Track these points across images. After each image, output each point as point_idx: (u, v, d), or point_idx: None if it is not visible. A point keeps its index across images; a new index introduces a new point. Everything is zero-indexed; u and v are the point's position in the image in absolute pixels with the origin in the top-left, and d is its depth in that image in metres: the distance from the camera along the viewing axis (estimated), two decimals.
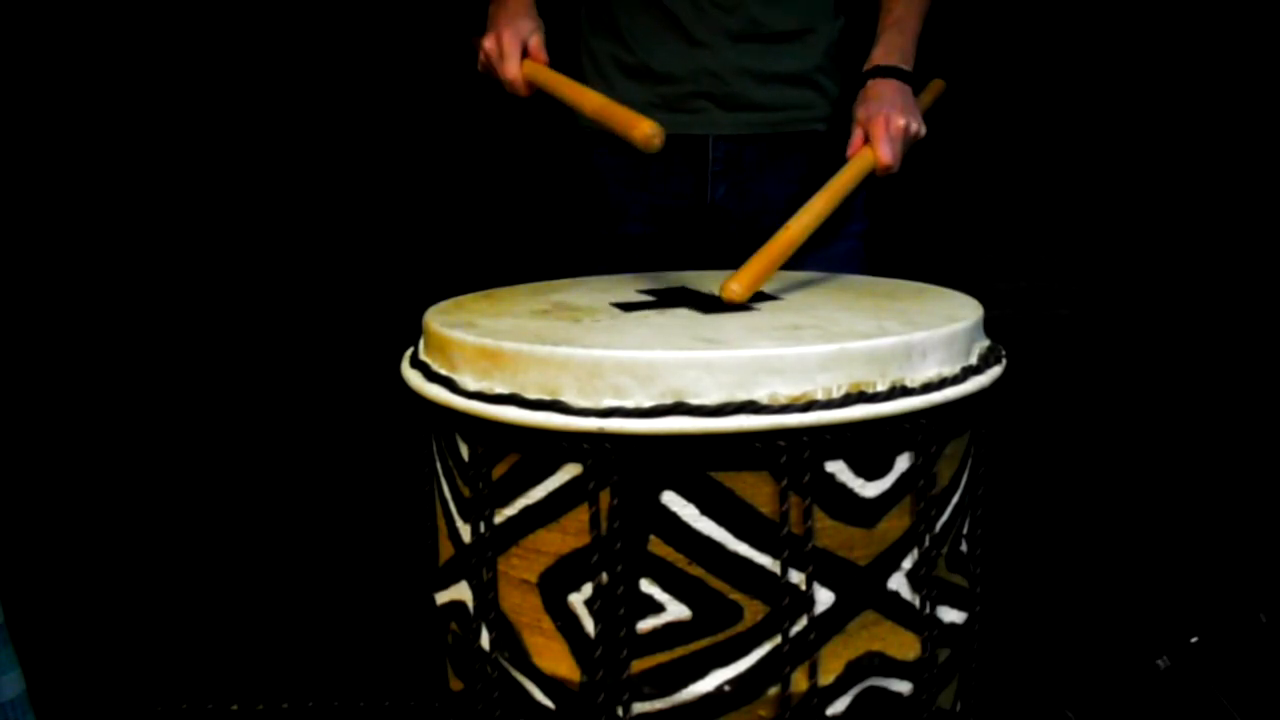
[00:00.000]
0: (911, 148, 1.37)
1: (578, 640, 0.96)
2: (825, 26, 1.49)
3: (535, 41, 1.34)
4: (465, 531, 1.02)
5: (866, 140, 1.34)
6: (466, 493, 1.01)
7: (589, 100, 1.25)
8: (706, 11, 1.44)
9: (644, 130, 1.13)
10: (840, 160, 1.34)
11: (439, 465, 1.07)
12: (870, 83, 1.39)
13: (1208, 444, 1.97)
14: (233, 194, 2.02)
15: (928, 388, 0.95)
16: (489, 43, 1.34)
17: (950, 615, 1.02)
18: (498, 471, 0.97)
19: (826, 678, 0.95)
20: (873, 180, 1.36)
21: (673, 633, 0.93)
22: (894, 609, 0.98)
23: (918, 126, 1.36)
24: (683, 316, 1.07)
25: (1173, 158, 1.97)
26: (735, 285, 1.12)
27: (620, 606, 0.93)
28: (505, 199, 1.98)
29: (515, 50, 1.32)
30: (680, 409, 0.89)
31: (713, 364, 0.89)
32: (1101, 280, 2.03)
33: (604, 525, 0.92)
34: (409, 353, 1.10)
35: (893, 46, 1.41)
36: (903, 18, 1.43)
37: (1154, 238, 2.00)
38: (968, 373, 0.99)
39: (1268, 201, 1.95)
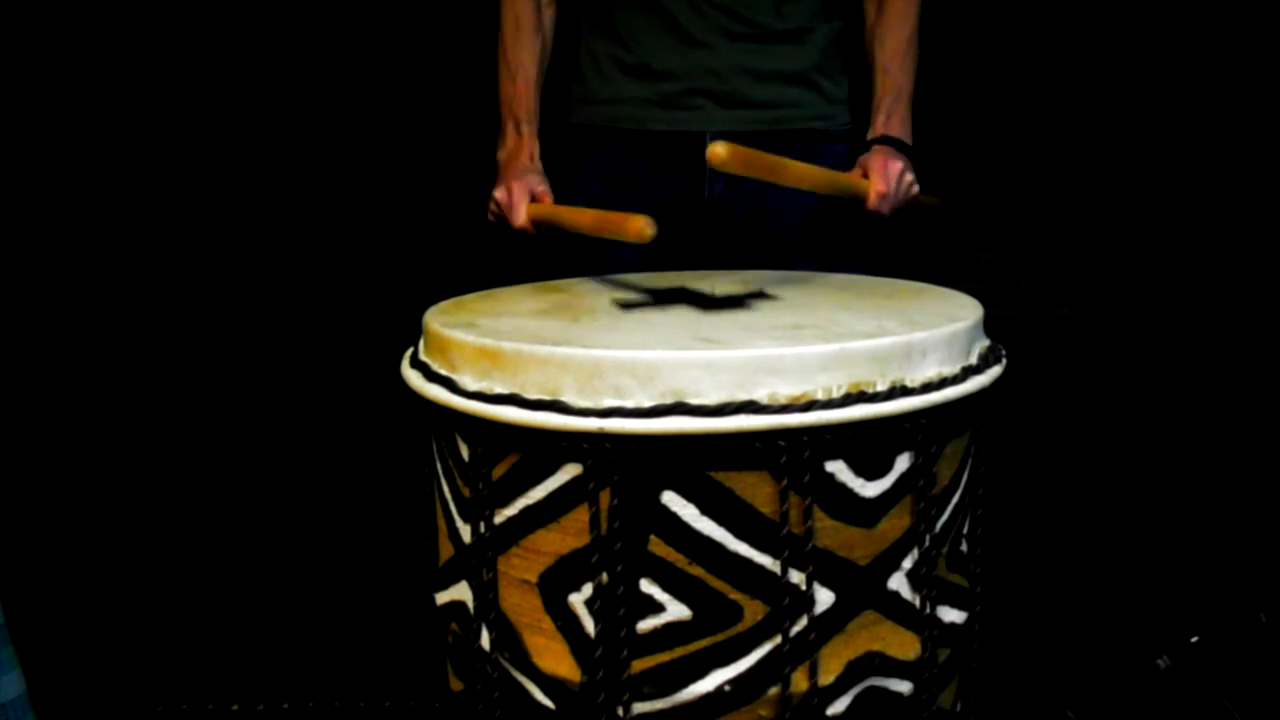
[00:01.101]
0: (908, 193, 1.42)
1: (578, 640, 0.96)
2: (821, 27, 1.50)
3: (542, 189, 1.42)
4: (465, 531, 1.02)
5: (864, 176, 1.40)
6: (466, 493, 1.01)
7: (585, 218, 1.32)
8: (704, 11, 1.45)
9: (636, 225, 1.15)
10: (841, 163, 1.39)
11: (439, 465, 1.07)
12: (875, 148, 1.43)
13: (1207, 443, 1.97)
14: (233, 195, 2.01)
15: (928, 387, 0.95)
16: (500, 194, 1.42)
17: (950, 615, 1.02)
18: (498, 471, 0.97)
19: (827, 678, 0.95)
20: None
21: (673, 633, 0.93)
22: (894, 609, 0.98)
23: (912, 179, 1.41)
24: (683, 316, 1.07)
25: (1172, 157, 1.97)
26: (721, 149, 1.13)
27: (620, 606, 0.93)
28: None
29: (523, 202, 1.40)
30: (680, 409, 0.89)
31: (713, 364, 0.89)
32: (1101, 280, 2.03)
33: (604, 525, 0.92)
34: (409, 353, 1.10)
35: (893, 116, 1.45)
36: (901, 88, 1.46)
37: (1154, 237, 2.00)
38: (968, 372, 0.99)
39: (1267, 201, 1.95)
